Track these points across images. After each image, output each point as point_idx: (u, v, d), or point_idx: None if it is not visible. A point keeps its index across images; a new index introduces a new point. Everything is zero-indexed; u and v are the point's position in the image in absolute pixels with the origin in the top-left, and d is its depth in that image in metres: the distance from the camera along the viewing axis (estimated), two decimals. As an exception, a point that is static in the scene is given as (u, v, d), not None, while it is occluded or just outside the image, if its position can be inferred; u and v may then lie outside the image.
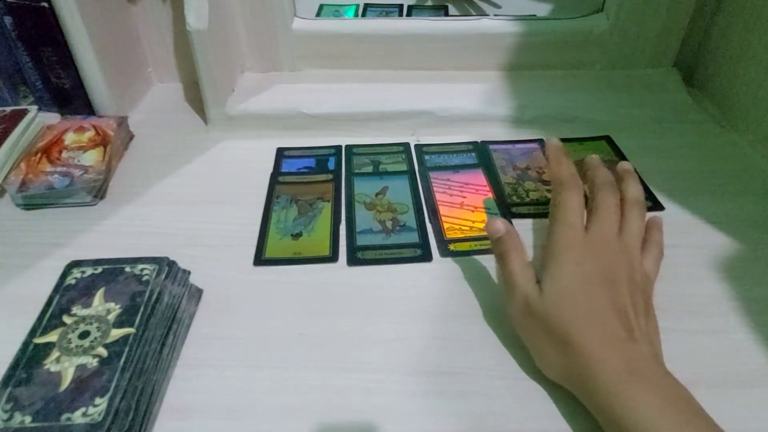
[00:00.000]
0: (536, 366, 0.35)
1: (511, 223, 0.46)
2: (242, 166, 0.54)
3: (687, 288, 0.41)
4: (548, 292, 0.34)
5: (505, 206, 0.49)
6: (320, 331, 0.38)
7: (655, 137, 0.57)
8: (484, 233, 0.45)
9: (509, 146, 0.57)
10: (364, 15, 0.74)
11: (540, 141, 0.57)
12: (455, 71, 0.65)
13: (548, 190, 0.50)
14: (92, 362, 0.32)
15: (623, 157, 0.54)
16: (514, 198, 0.50)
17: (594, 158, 0.43)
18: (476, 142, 0.57)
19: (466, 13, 0.74)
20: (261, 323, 0.39)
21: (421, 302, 0.40)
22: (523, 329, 0.35)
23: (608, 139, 0.57)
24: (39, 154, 0.51)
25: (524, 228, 0.46)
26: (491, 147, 0.56)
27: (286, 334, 0.38)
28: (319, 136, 0.58)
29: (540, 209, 0.48)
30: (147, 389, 0.32)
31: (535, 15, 0.71)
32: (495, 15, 0.67)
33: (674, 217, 0.47)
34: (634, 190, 0.40)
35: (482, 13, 0.73)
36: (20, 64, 0.57)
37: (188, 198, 0.50)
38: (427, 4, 0.75)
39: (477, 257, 0.44)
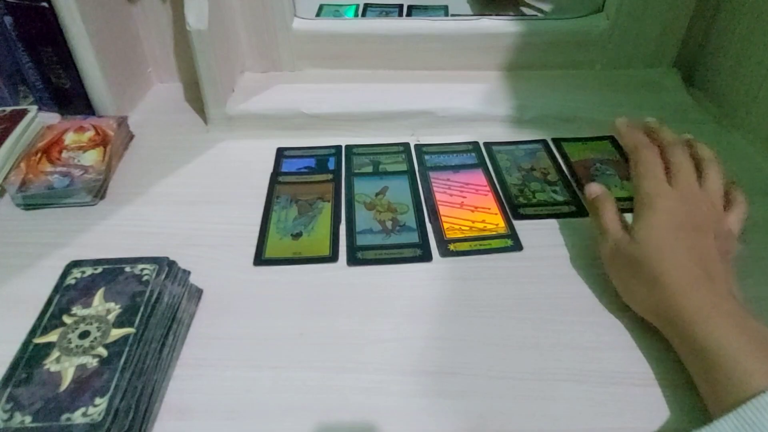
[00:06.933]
0: (537, 365, 0.35)
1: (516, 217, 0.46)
2: (242, 166, 0.54)
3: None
4: (639, 237, 0.36)
5: (513, 207, 0.49)
6: (320, 331, 0.38)
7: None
8: (484, 233, 0.45)
9: (512, 147, 0.57)
10: (364, 15, 0.74)
11: (542, 141, 0.57)
12: (455, 71, 0.65)
13: (554, 191, 0.50)
14: (92, 362, 0.32)
15: (627, 158, 0.54)
16: (521, 199, 0.50)
17: (654, 121, 0.44)
18: (476, 143, 0.57)
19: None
20: (261, 323, 0.39)
21: (421, 302, 0.40)
22: (612, 269, 0.39)
23: (612, 139, 0.57)
24: (39, 154, 0.51)
25: (533, 229, 0.46)
26: (494, 148, 0.56)
27: (286, 334, 0.38)
28: (319, 136, 0.58)
29: (547, 210, 0.48)
30: (147, 389, 0.32)
31: (535, 15, 0.71)
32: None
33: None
34: (705, 151, 0.41)
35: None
36: (20, 64, 0.57)
37: (188, 198, 0.50)
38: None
39: (477, 257, 0.44)
